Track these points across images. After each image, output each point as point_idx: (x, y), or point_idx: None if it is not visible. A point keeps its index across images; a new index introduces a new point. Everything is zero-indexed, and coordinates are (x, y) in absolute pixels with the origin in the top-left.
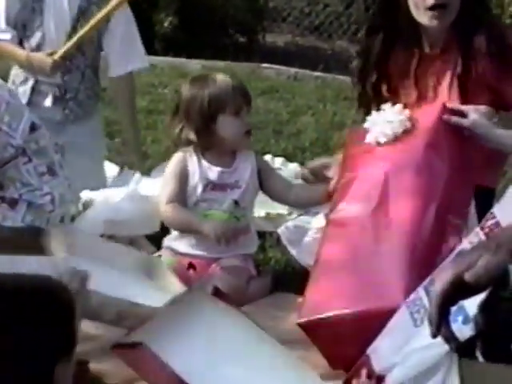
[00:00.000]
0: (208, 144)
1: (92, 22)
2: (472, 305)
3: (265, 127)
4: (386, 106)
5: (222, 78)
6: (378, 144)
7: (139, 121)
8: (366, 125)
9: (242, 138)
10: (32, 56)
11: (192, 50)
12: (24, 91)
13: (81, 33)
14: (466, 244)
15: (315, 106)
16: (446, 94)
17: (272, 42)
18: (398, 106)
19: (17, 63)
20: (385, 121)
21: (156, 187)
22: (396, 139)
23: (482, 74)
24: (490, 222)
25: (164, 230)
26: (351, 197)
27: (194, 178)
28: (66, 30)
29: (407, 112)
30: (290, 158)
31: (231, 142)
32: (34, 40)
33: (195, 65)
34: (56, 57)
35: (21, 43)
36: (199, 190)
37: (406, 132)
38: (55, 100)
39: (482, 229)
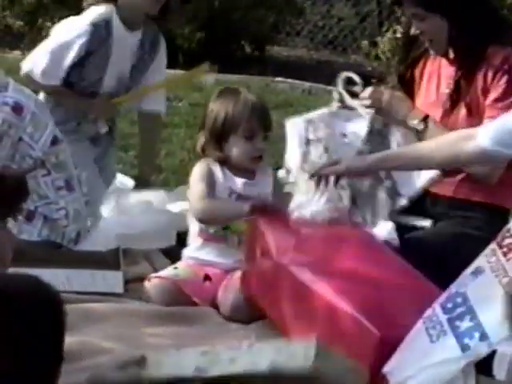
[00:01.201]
0: (215, 158)
1: (155, 86)
2: (489, 321)
3: (279, 141)
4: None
5: (244, 99)
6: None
7: None
8: (292, 207)
9: (250, 162)
10: (97, 102)
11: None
12: None
13: (142, 91)
14: (482, 261)
15: None
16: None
17: (286, 56)
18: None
19: (75, 106)
20: (316, 205)
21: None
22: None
23: (484, 83)
24: (508, 241)
25: (180, 244)
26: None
27: (220, 186)
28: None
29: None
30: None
31: (238, 163)
32: (90, 89)
33: (209, 78)
34: (117, 101)
35: (67, 86)
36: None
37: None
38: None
39: (500, 247)
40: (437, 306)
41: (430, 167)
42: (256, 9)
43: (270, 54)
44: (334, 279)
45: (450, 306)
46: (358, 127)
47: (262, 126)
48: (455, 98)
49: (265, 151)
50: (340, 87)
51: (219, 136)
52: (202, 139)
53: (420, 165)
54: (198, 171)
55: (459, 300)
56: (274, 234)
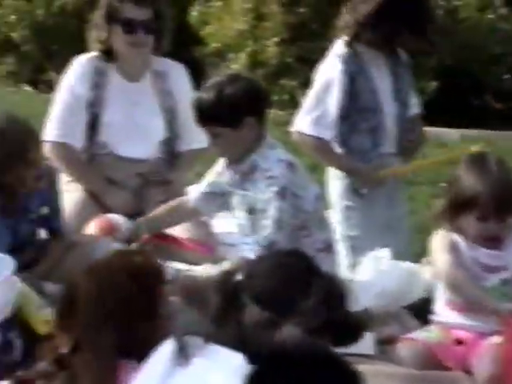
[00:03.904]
0: (452, 229)
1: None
2: None
3: None
4: None
5: (487, 178)
6: None
7: None
8: None
9: (482, 241)
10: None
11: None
12: None
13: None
14: None
15: None
16: None
17: None
18: None
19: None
20: None
21: None
22: None
23: None
24: None
25: (425, 301)
26: None
27: (463, 256)
28: None
29: None
30: None
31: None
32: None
33: (454, 134)
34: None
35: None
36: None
37: None
38: None
39: None
40: None
41: None
42: (498, 61)
43: None
44: None
45: None
46: None
47: (498, 209)
48: None
49: (501, 232)
50: None
51: (455, 209)
52: (439, 204)
53: None
54: (440, 241)
55: None
56: None
